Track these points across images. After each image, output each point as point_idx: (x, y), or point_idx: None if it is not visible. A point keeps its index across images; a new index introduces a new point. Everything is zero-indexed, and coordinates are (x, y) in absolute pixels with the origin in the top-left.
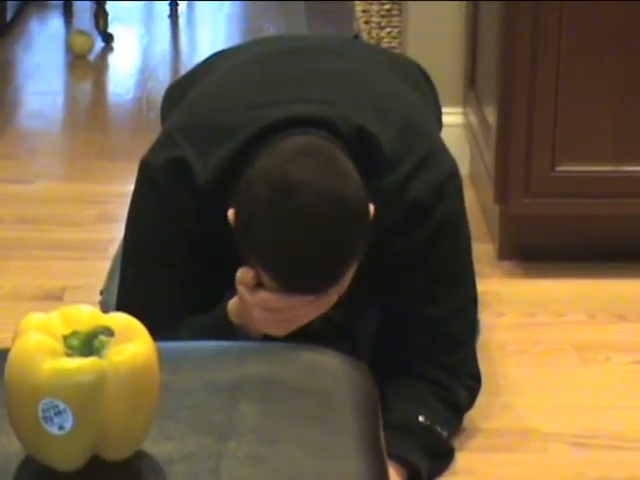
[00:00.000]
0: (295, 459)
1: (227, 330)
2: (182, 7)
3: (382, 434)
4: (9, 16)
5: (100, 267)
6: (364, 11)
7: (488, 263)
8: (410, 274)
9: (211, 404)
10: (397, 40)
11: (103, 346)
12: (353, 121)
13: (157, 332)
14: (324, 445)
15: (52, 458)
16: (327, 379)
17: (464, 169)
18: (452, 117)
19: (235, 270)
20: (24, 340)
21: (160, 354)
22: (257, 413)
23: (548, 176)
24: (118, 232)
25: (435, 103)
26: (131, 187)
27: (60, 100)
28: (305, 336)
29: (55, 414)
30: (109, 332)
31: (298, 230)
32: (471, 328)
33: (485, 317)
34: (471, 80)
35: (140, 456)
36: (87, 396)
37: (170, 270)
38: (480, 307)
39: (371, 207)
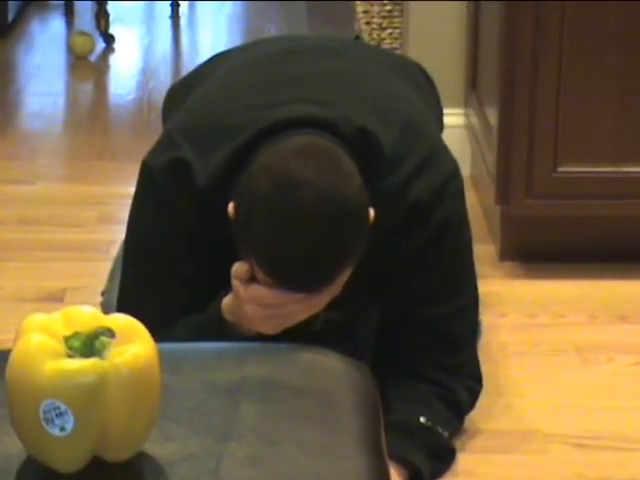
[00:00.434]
0: (296, 460)
1: (220, 328)
2: (183, 8)
3: (383, 435)
4: (10, 17)
5: (101, 268)
6: (365, 12)
7: (489, 264)
8: (411, 275)
9: (212, 405)
10: (398, 41)
11: (104, 347)
12: (354, 122)
13: (157, 333)
14: (325, 446)
15: (53, 459)
16: (328, 380)
17: (465, 170)
18: (453, 118)
19: None
20: (25, 341)
21: (161, 355)
22: (258, 414)
23: (549, 177)
24: (119, 233)
25: (436, 104)
26: (132, 188)
27: (61, 101)
28: (306, 337)
29: (56, 415)
30: (110, 333)
31: (295, 227)
32: (472, 329)
33: (486, 318)
34: (472, 81)
35: (141, 457)
36: (88, 397)
37: (171, 271)
38: (481, 308)
39: (371, 211)
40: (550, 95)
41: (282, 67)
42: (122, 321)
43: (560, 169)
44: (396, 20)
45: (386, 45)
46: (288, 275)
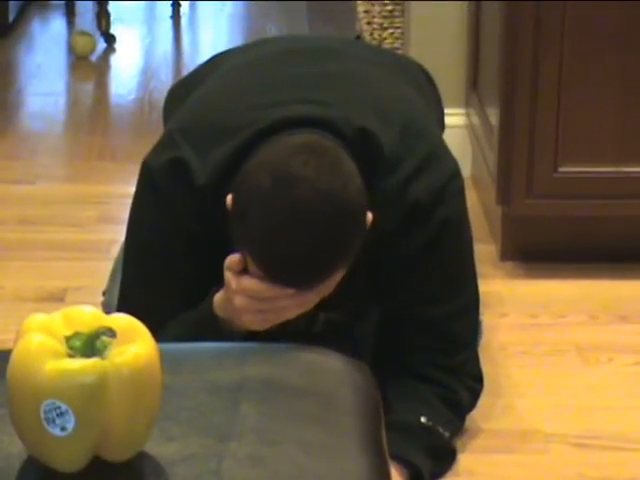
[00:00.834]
0: (296, 460)
1: (211, 325)
2: (184, 8)
3: (384, 435)
4: (11, 17)
5: (102, 268)
6: (366, 12)
7: (490, 264)
8: (411, 275)
9: (212, 405)
10: (399, 41)
11: (105, 347)
12: (354, 122)
13: (157, 332)
14: (325, 446)
15: (54, 459)
16: (328, 380)
17: (466, 170)
18: (454, 118)
19: None
20: (26, 341)
21: (161, 355)
22: (258, 414)
23: (550, 177)
24: (120, 233)
25: (437, 104)
26: (133, 188)
27: (62, 101)
28: (306, 337)
29: (57, 415)
30: (111, 333)
31: (291, 223)
32: (473, 329)
33: (487, 318)
34: (473, 81)
35: (142, 457)
36: (89, 397)
37: (171, 270)
38: (482, 308)
39: (369, 215)
40: (551, 95)
41: (282, 67)
42: (123, 321)
43: (561, 169)
44: (397, 20)
45: (387, 45)
46: (280, 270)
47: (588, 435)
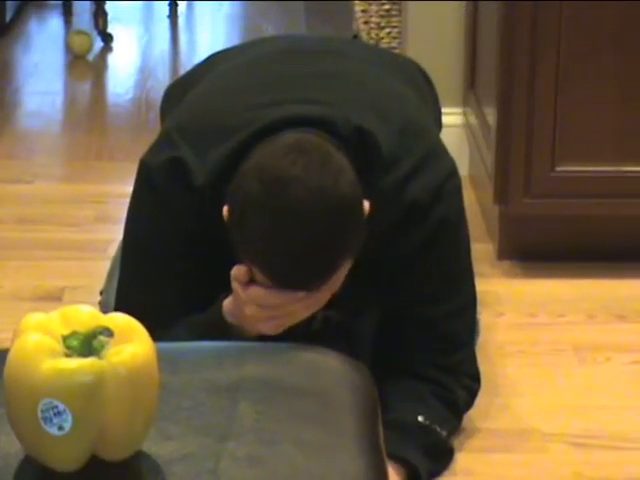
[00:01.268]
0: (294, 460)
1: (222, 329)
2: (181, 7)
3: (382, 434)
4: (8, 16)
5: (99, 267)
6: (363, 11)
7: (488, 263)
8: (409, 274)
9: (210, 405)
10: (396, 40)
11: (102, 346)
12: (352, 122)
13: (156, 332)
14: (323, 445)
15: (51, 458)
16: (327, 379)
17: (464, 169)
18: (452, 117)
19: None
20: (23, 340)
21: (159, 355)
22: (256, 414)
23: (548, 176)
24: (117, 232)
25: (435, 103)
26: (130, 187)
27: (59, 100)
28: (305, 336)
29: (54, 414)
30: (108, 332)
31: (287, 225)
32: (470, 328)
33: (484, 317)
34: (471, 80)
35: (139, 456)
36: (86, 396)
37: (169, 270)
38: (479, 307)
39: (366, 204)
40: (548, 94)
41: (280, 67)
42: (120, 320)
43: (558, 168)
44: (394, 19)
45: (384, 44)
46: (284, 274)
47: (586, 434)
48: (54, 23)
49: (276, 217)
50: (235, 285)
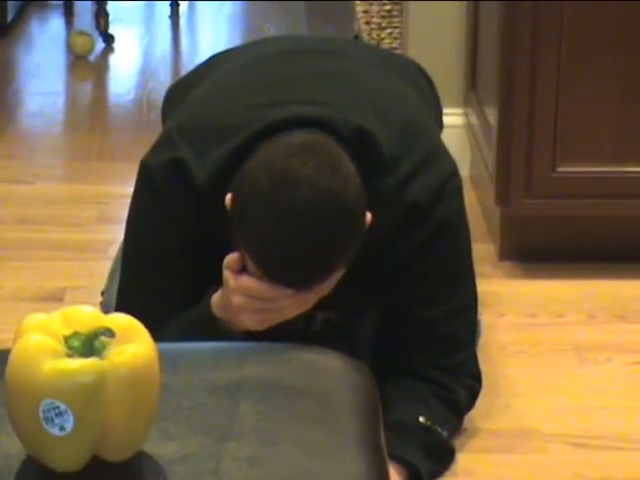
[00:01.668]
0: (295, 460)
1: (209, 324)
2: (183, 7)
3: (383, 435)
4: (10, 16)
5: (101, 268)
6: (365, 12)
7: (488, 264)
8: (410, 275)
9: (211, 405)
10: (398, 41)
11: (104, 347)
12: (353, 122)
13: (156, 331)
14: (324, 446)
15: (53, 459)
16: (327, 380)
17: (465, 170)
18: (453, 118)
19: None
20: (25, 341)
21: (160, 355)
22: (257, 414)
23: (549, 177)
24: (119, 233)
25: (436, 104)
26: (131, 188)
27: (61, 100)
28: (304, 337)
29: (56, 415)
30: (110, 333)
31: (289, 223)
32: (471, 329)
33: (485, 318)
34: (472, 81)
35: (140, 457)
36: (88, 397)
37: (169, 270)
38: (480, 308)
39: (368, 215)
40: (549, 95)
41: (281, 67)
42: (122, 321)
43: (559, 169)
44: (395, 20)
45: (385, 45)
46: (278, 270)
47: (586, 435)
48: (55, 23)
49: (281, 215)
50: (226, 273)
